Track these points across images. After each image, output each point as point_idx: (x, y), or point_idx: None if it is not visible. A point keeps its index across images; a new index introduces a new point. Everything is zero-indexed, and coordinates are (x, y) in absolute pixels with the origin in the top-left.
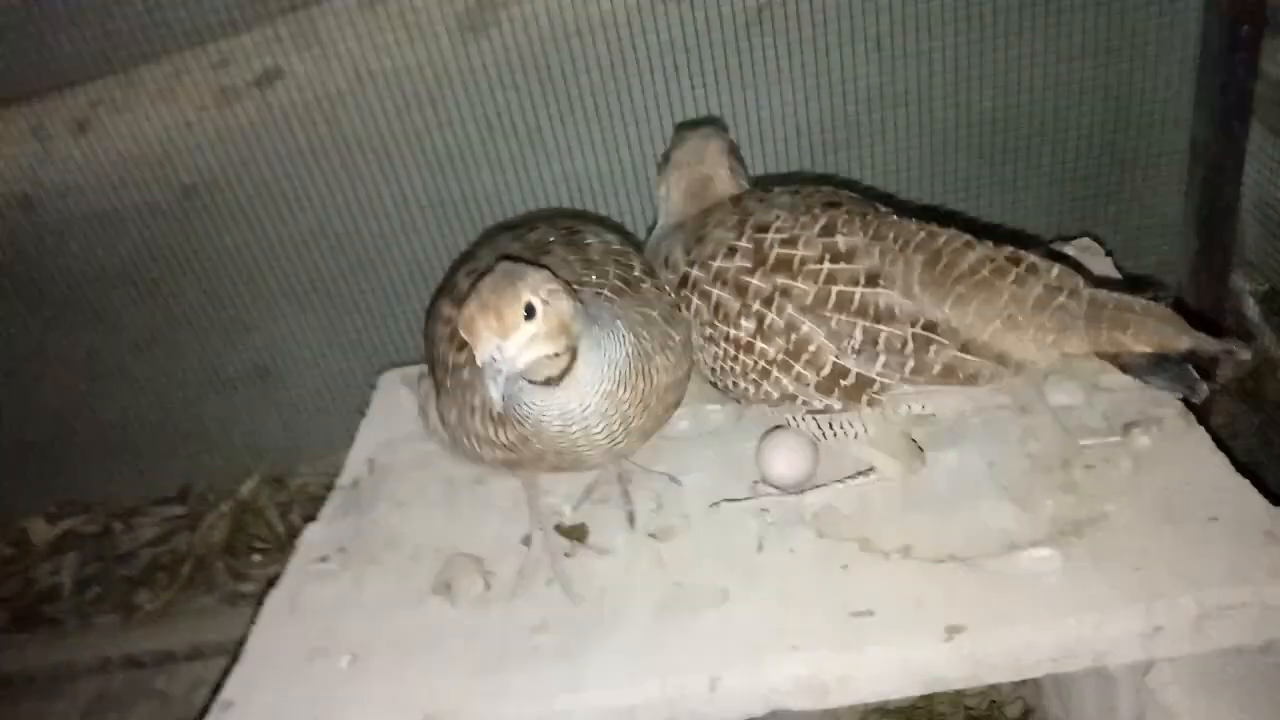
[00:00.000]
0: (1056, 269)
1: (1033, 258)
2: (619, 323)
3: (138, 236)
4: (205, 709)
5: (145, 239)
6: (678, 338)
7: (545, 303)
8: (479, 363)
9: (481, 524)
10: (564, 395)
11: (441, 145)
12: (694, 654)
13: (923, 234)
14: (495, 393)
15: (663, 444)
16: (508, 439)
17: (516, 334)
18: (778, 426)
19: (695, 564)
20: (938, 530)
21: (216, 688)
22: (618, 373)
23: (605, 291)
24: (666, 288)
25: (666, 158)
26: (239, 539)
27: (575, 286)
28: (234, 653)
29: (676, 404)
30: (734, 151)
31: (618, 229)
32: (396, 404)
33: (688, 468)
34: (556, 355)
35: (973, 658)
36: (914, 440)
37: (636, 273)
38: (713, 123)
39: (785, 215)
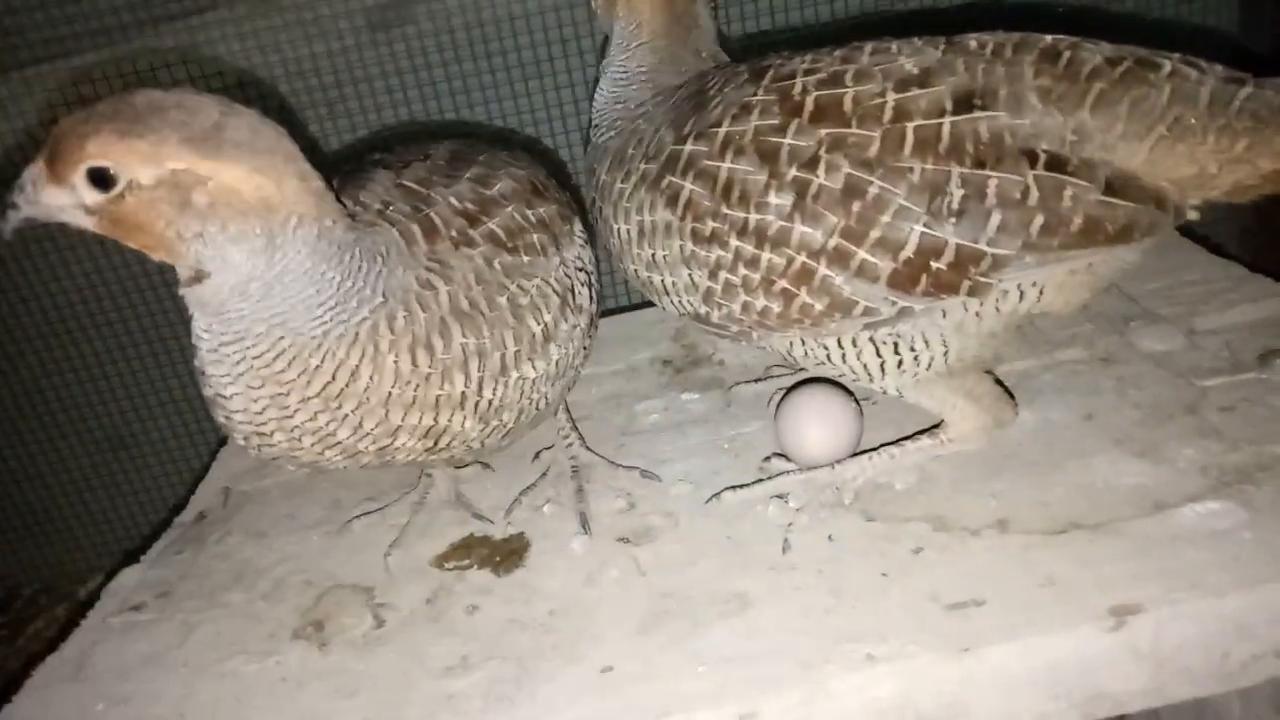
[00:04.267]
0: (1221, 66)
1: (1180, 54)
2: (380, 283)
3: None
4: None
5: None
6: (467, 341)
7: (137, 186)
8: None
9: (373, 547)
10: (195, 308)
11: (339, 145)
12: (708, 679)
13: (1018, 36)
14: (4, 224)
15: (627, 439)
16: None
17: (56, 190)
18: (801, 383)
19: (689, 568)
20: (1041, 498)
21: None
22: (287, 343)
23: (403, 224)
24: (538, 258)
25: None
26: None
27: (375, 206)
28: None
29: (437, 437)
30: None
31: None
32: None
33: (665, 459)
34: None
35: (1156, 655)
36: (1000, 382)
37: (483, 227)
38: None
39: (815, 55)
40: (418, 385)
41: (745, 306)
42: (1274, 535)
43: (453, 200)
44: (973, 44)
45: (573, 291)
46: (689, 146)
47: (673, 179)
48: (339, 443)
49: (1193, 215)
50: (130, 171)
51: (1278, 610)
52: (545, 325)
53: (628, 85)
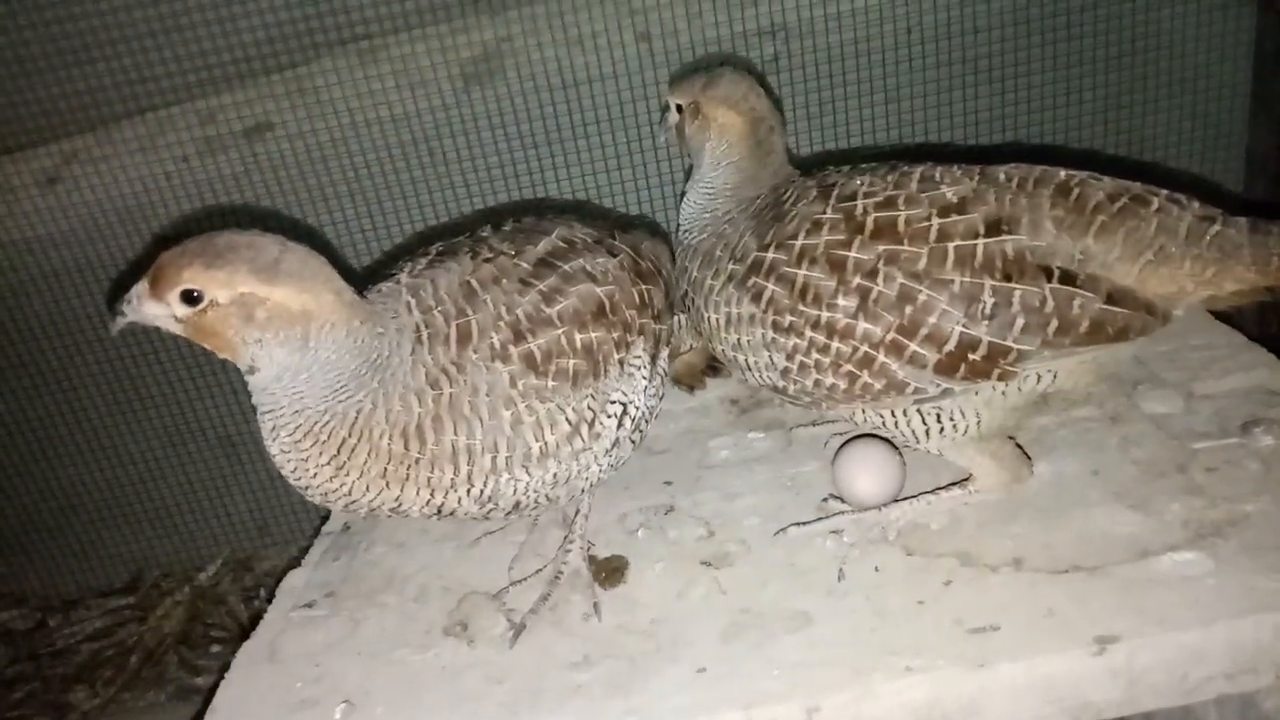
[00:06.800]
0: (1198, 201)
1: (1167, 191)
2: (382, 373)
3: (104, 292)
4: None
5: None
6: (458, 439)
7: (216, 304)
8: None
9: (499, 560)
10: (251, 389)
11: (438, 191)
12: (781, 680)
13: (1039, 170)
14: (114, 324)
15: (703, 473)
16: None
17: (154, 304)
18: (855, 437)
19: (762, 589)
20: (1049, 541)
21: None
22: (303, 418)
23: (437, 325)
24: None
25: (692, 108)
26: (195, 629)
27: (429, 302)
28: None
29: (438, 509)
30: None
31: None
32: None
33: (737, 493)
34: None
35: (1129, 674)
36: (1020, 446)
37: (524, 346)
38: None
39: (872, 179)
40: (409, 466)
41: (817, 383)
42: (1231, 583)
43: (504, 311)
44: (1001, 176)
45: (590, 423)
46: (770, 254)
47: (757, 280)
48: (355, 501)
49: (1178, 316)
50: (212, 293)
51: (1226, 643)
52: (544, 444)
53: (714, 197)
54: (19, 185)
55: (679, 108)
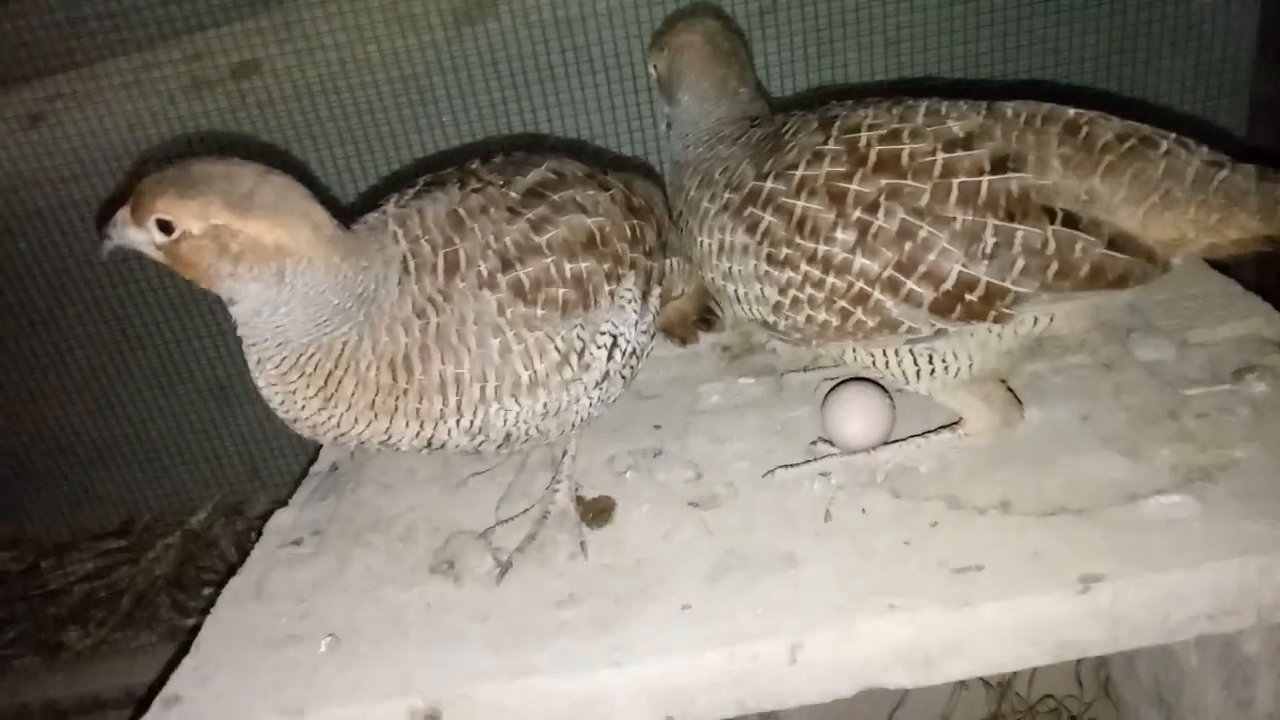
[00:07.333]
0: (1206, 147)
1: (1176, 134)
2: (367, 305)
3: (91, 235)
4: (141, 707)
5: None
6: (445, 368)
7: (189, 235)
8: None
9: (486, 501)
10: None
11: (428, 131)
12: (765, 619)
13: (1047, 108)
14: (103, 248)
15: (693, 418)
16: None
17: (135, 230)
18: (845, 381)
19: (748, 531)
20: (1038, 485)
21: (159, 683)
22: (288, 350)
23: (424, 254)
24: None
25: (658, 49)
26: (187, 572)
27: (415, 232)
28: (184, 646)
29: (428, 440)
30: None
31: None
32: None
33: (726, 438)
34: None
35: (1113, 614)
36: (1011, 390)
37: (512, 274)
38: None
39: (876, 111)
40: (398, 397)
41: (809, 319)
42: (1217, 525)
43: (491, 240)
44: (1009, 112)
45: (580, 353)
46: (769, 184)
47: (753, 210)
48: (345, 433)
49: (1176, 266)
50: (184, 224)
51: (1211, 584)
52: (533, 373)
53: (705, 106)
54: (1, 123)
55: (655, 67)
